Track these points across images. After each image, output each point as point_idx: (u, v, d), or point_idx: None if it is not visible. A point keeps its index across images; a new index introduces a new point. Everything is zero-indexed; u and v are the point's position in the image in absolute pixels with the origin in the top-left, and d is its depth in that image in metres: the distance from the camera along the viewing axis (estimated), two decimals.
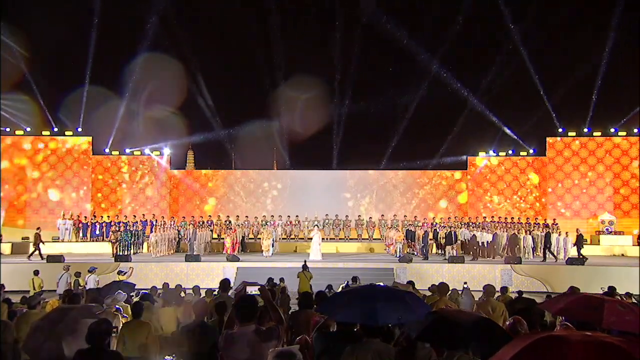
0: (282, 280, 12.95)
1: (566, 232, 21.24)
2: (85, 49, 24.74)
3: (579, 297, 4.46)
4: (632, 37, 24.43)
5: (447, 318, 4.11)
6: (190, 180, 27.38)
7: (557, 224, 23.29)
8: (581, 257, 19.23)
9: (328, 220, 24.53)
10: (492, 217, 24.78)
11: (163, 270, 17.91)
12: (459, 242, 20.73)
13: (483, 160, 26.75)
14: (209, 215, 24.73)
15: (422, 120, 28.06)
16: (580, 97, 25.57)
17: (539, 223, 23.67)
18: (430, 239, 21.38)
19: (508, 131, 26.22)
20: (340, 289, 11.37)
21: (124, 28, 27.64)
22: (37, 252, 19.47)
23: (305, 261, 15.60)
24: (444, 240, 20.74)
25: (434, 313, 4.30)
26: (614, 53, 24.23)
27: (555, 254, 19.94)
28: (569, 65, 25.88)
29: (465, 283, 13.29)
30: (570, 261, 18.67)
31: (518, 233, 20.78)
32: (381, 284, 6.85)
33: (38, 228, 20.48)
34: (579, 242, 19.94)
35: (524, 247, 20.31)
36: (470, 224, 22.91)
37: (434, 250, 21.74)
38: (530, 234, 21.02)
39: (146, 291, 9.77)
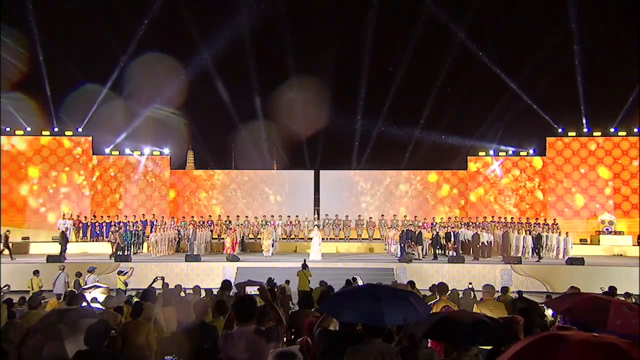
0: (287, 282, 12.96)
1: (566, 232, 21.25)
2: (85, 48, 24.79)
3: (585, 297, 4.37)
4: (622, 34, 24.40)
5: (450, 318, 4.10)
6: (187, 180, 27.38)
7: (557, 224, 23.30)
8: (539, 257, 19.51)
9: (328, 220, 24.54)
10: (492, 217, 24.78)
11: (163, 270, 17.82)
12: (458, 242, 20.73)
13: (492, 162, 26.66)
14: (209, 215, 24.74)
15: (423, 120, 28.08)
16: (581, 96, 25.59)
17: (539, 223, 23.68)
18: (430, 239, 21.36)
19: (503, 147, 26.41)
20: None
21: (123, 28, 27.62)
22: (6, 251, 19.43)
23: (305, 260, 15.61)
24: (444, 240, 20.75)
25: (437, 314, 4.30)
26: (603, 51, 24.36)
27: (540, 254, 20.06)
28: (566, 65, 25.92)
29: (470, 283, 13.24)
30: (570, 261, 18.67)
31: (518, 233, 20.79)
32: (381, 283, 6.84)
33: (7, 230, 20.38)
34: (537, 242, 20.09)
35: (523, 247, 20.31)
36: (470, 224, 22.90)
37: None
38: (530, 234, 21.03)
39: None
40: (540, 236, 20.41)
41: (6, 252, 19.37)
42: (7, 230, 20.21)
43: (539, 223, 23.64)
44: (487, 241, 20.48)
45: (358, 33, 26.49)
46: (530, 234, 21.04)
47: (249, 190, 27.14)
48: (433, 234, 20.55)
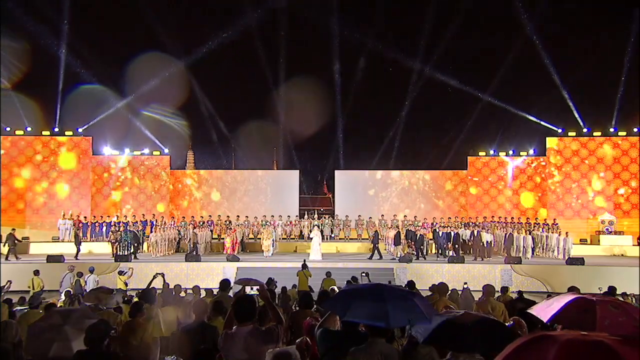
0: (294, 286, 12.95)
1: (566, 232, 21.25)
2: (86, 48, 24.81)
3: (570, 300, 4.19)
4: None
5: (453, 321, 4.07)
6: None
7: (557, 223, 23.30)
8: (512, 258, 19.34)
9: (328, 221, 24.59)
10: (492, 217, 24.79)
11: (163, 270, 17.81)
12: (459, 242, 20.74)
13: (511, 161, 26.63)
14: (209, 215, 24.74)
15: (423, 120, 28.14)
16: (566, 96, 25.70)
17: (539, 223, 23.69)
18: (430, 239, 21.39)
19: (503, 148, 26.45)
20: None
21: (123, 27, 27.64)
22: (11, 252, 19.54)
23: (304, 260, 15.61)
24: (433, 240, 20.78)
25: (439, 317, 4.26)
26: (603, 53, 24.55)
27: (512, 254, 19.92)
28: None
29: (465, 283, 13.29)
30: (570, 261, 18.67)
31: (518, 233, 20.79)
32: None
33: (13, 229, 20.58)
34: (509, 242, 20.16)
35: (523, 247, 20.30)
36: (470, 224, 22.91)
37: (434, 250, 21.68)
38: (530, 234, 21.03)
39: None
40: (512, 236, 20.36)
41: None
42: (78, 230, 21.02)
43: (538, 223, 23.65)
44: (487, 241, 20.47)
45: (359, 33, 26.50)
46: (530, 234, 21.04)
47: (233, 190, 27.15)
48: (418, 234, 20.52)
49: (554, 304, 4.34)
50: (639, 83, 22.16)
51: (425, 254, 20.49)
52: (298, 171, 27.58)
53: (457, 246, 20.23)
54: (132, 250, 19.96)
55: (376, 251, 19.95)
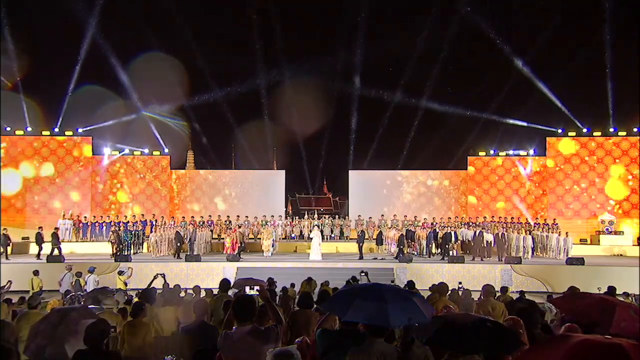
0: (292, 285, 12.96)
1: (566, 232, 21.24)
2: (87, 47, 24.79)
3: (593, 299, 4.33)
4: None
5: (455, 322, 4.06)
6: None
7: (557, 224, 23.30)
8: (503, 258, 19.19)
9: (328, 221, 24.61)
10: (492, 217, 24.79)
11: (163, 270, 17.78)
12: (458, 242, 20.74)
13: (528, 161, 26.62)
14: (209, 215, 24.74)
15: (423, 119, 28.15)
16: (579, 96, 25.68)
17: (539, 223, 23.69)
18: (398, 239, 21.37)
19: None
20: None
21: (123, 27, 27.58)
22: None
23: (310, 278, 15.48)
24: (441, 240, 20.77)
25: (441, 317, 4.26)
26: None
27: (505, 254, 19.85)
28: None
29: (460, 283, 13.26)
30: (570, 261, 18.67)
31: (518, 233, 20.78)
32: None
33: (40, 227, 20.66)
34: (502, 242, 20.21)
35: (523, 247, 20.27)
36: (471, 224, 22.90)
37: (433, 250, 21.66)
38: (530, 233, 21.02)
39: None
40: (505, 236, 20.36)
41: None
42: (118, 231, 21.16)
43: (538, 223, 23.65)
44: (487, 241, 20.47)
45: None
46: (530, 234, 21.03)
47: (219, 190, 27.16)
48: (403, 232, 20.54)
49: (575, 299, 4.43)
50: (638, 83, 22.11)
51: (425, 253, 20.49)
52: (284, 171, 27.68)
53: (447, 245, 20.23)
54: (173, 251, 20.27)
55: (361, 251, 20.06)
